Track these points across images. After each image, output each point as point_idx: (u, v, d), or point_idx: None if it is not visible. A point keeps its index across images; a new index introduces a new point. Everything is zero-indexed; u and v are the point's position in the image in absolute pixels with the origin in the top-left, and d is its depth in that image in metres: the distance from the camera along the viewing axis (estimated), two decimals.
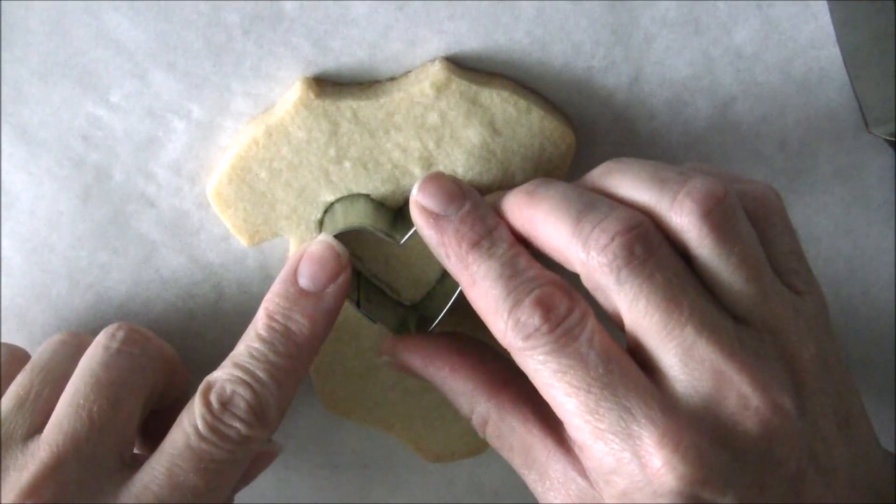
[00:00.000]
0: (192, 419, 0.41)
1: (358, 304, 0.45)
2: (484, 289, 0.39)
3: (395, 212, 0.45)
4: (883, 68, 0.45)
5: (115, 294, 0.47)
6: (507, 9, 0.43)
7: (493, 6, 0.43)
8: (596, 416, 0.37)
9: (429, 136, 0.44)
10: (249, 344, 0.42)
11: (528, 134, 0.44)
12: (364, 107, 0.43)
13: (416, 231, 0.42)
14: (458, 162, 0.44)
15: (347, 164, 0.44)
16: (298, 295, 0.42)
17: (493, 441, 0.43)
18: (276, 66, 0.44)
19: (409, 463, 0.50)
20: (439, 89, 0.43)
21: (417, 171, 0.44)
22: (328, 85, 0.44)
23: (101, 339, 0.43)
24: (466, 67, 0.44)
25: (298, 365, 0.42)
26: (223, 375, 0.41)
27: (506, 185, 0.44)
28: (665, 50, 0.44)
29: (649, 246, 0.38)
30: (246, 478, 0.44)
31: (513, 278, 0.39)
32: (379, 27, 0.43)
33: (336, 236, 0.43)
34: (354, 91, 0.44)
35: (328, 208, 0.44)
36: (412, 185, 0.43)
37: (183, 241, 0.46)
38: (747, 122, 0.46)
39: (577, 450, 0.39)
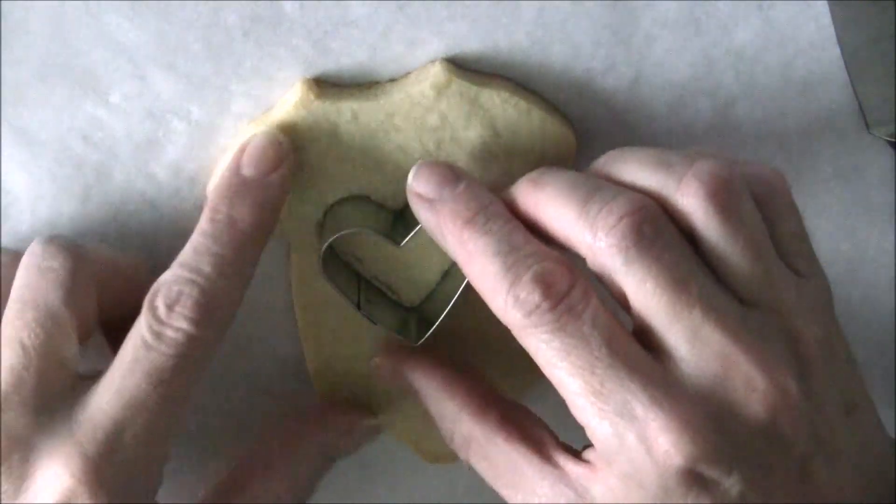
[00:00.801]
0: (139, 331, 0.40)
1: (358, 306, 0.44)
2: (481, 265, 0.39)
3: (396, 213, 0.45)
4: (883, 69, 0.45)
5: None
6: (508, 9, 0.43)
7: (493, 7, 0.43)
8: (600, 397, 0.37)
9: (429, 137, 0.44)
10: (193, 239, 0.41)
11: (529, 135, 0.44)
12: (364, 108, 0.43)
13: (416, 233, 0.42)
14: (459, 163, 0.44)
15: (348, 166, 0.44)
16: (241, 184, 0.42)
17: (477, 462, 0.42)
18: (276, 68, 0.44)
19: (409, 463, 0.50)
20: (439, 90, 0.43)
21: None
22: (328, 86, 0.44)
23: (24, 260, 0.42)
24: (467, 68, 0.44)
25: (244, 256, 0.41)
26: (169, 277, 0.40)
27: (507, 186, 0.44)
28: (666, 51, 0.44)
29: (657, 227, 0.38)
30: (347, 450, 0.45)
31: (511, 254, 0.38)
32: (379, 28, 0.43)
33: (336, 239, 0.43)
34: (354, 92, 0.44)
35: (328, 210, 0.44)
36: None
37: (183, 241, 0.46)
38: (748, 124, 0.46)
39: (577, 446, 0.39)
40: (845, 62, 0.45)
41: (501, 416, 0.42)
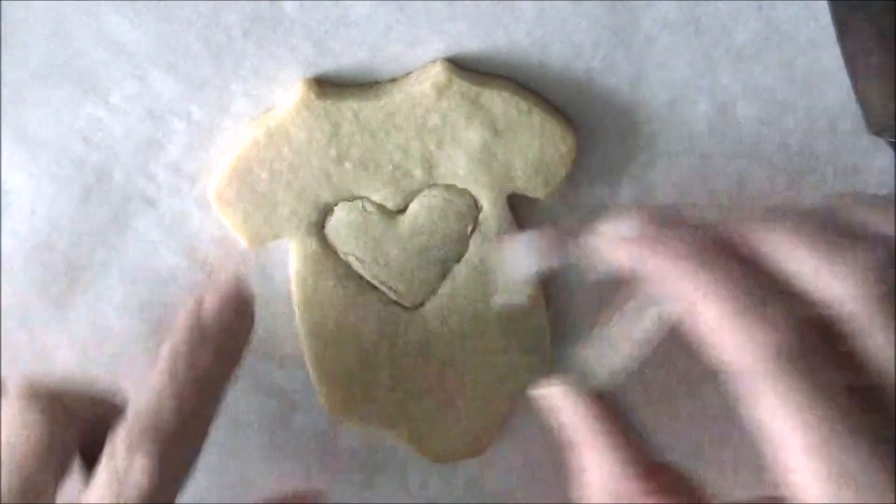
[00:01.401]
0: (101, 476, 0.39)
1: None
2: (718, 303, 0.35)
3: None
4: (883, 69, 0.45)
5: (114, 293, 0.47)
6: (508, 9, 0.43)
7: (493, 7, 0.43)
8: (832, 458, 0.33)
9: (430, 137, 0.44)
10: (152, 382, 0.40)
11: (530, 135, 0.44)
12: (365, 108, 0.43)
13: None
14: (460, 163, 0.44)
15: (348, 165, 0.44)
16: (202, 333, 0.41)
17: None
18: (276, 68, 0.44)
19: (409, 463, 0.50)
20: (440, 90, 0.43)
21: (418, 172, 0.44)
22: (329, 86, 0.44)
23: (4, 413, 0.40)
24: (467, 69, 0.44)
25: (206, 399, 0.40)
26: (129, 421, 0.39)
27: (506, 186, 0.44)
28: (666, 51, 0.44)
29: None
30: None
31: (753, 290, 0.35)
32: (379, 28, 0.43)
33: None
34: (355, 92, 0.44)
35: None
36: (413, 186, 0.43)
37: (183, 241, 0.46)
38: (747, 123, 0.46)
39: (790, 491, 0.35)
40: (845, 62, 0.45)
41: (663, 482, 0.39)
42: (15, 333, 0.47)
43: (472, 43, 0.44)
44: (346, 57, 0.44)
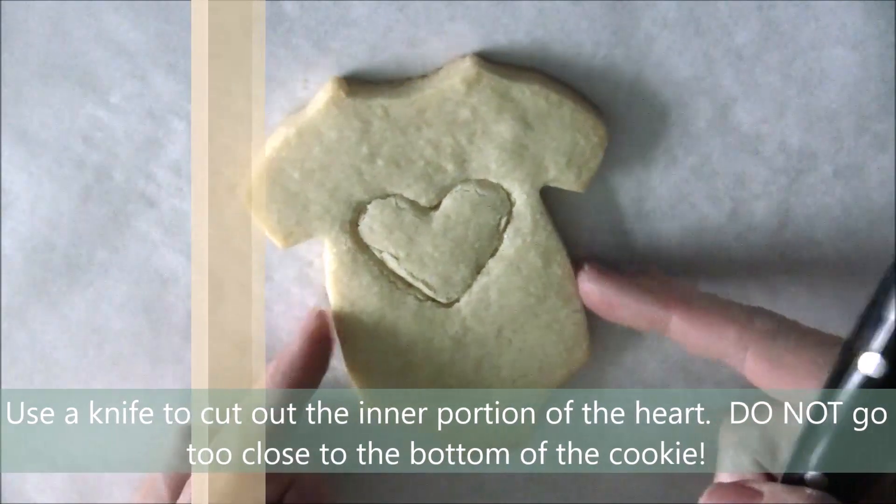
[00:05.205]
0: None
1: None
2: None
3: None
4: None
5: (115, 293, 0.47)
6: (508, 9, 0.43)
7: (493, 7, 0.43)
8: None
9: (460, 131, 0.44)
10: None
11: (560, 127, 0.44)
12: (395, 104, 0.43)
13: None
14: (491, 157, 0.44)
15: (380, 162, 0.44)
16: None
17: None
18: (276, 67, 0.44)
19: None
20: (470, 85, 0.43)
21: (450, 168, 0.44)
22: (359, 83, 0.44)
23: None
24: (497, 62, 0.44)
25: None
26: None
27: (538, 178, 0.44)
28: (666, 51, 0.44)
29: None
30: None
31: None
32: (379, 28, 0.43)
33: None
34: (385, 89, 0.44)
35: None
36: (445, 182, 0.43)
37: (183, 241, 0.46)
38: (748, 123, 0.46)
39: None
40: None
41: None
42: (15, 333, 0.47)
43: (471, 43, 0.44)
44: (346, 57, 0.44)
